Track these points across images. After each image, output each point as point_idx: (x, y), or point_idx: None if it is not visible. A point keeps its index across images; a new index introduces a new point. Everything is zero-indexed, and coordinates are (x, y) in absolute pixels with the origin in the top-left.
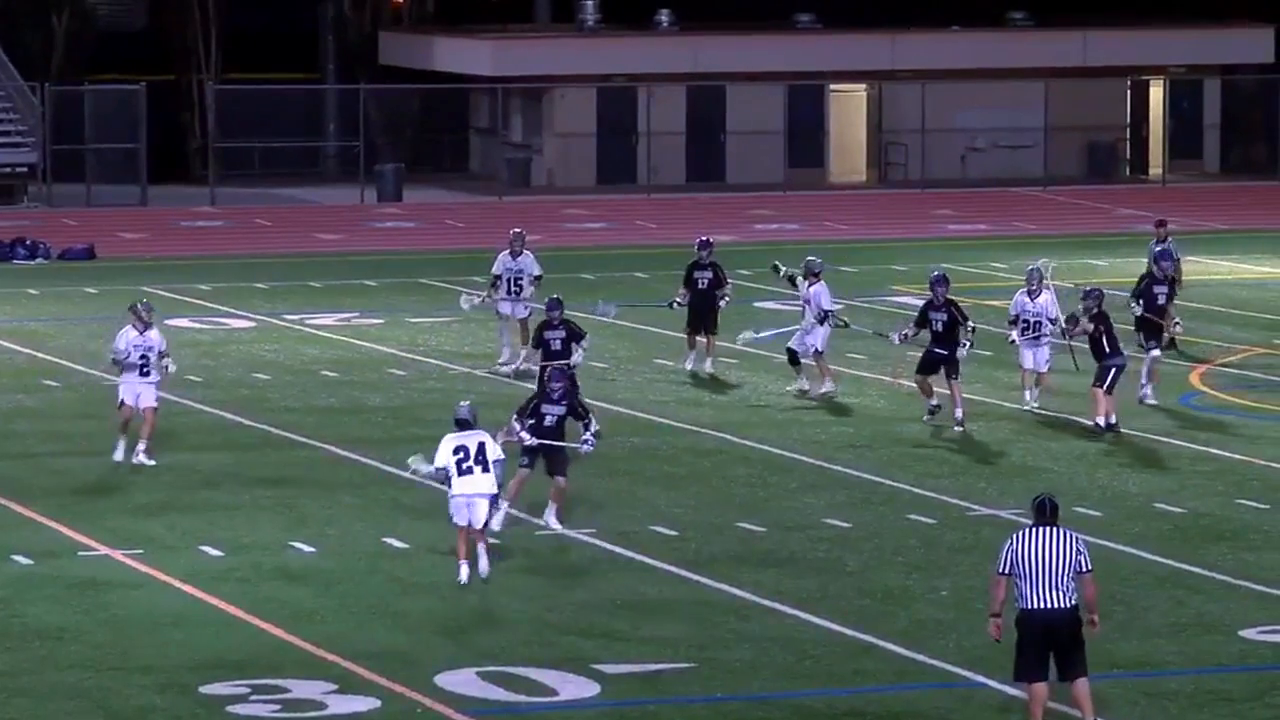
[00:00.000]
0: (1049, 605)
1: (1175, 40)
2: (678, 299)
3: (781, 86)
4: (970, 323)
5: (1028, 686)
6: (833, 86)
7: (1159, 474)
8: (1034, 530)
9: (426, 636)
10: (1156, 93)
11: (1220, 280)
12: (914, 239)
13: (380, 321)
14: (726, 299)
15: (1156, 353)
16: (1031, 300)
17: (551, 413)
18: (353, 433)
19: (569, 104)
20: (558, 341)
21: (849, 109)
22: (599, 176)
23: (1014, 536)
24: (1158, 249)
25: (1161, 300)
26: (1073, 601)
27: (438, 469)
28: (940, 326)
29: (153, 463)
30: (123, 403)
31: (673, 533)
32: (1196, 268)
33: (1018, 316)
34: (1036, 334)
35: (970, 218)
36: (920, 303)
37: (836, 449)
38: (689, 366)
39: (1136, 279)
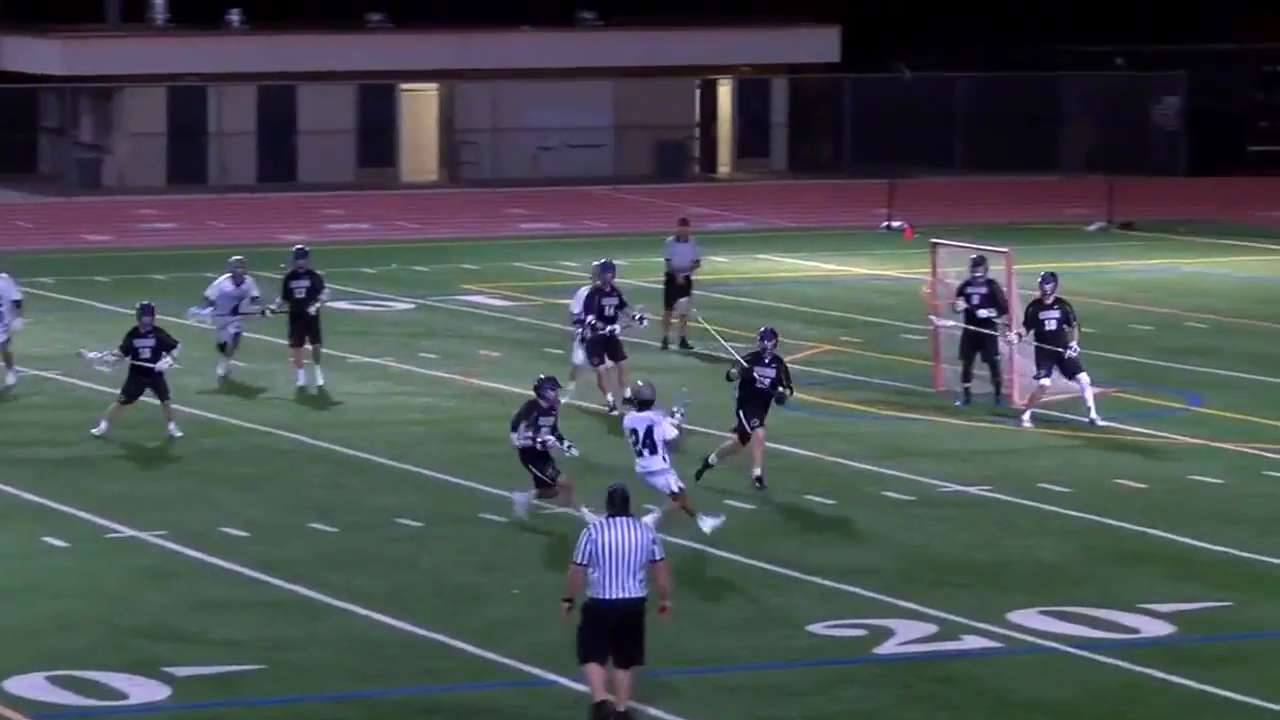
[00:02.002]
0: (620, 595)
1: (743, 40)
2: (272, 307)
3: (352, 86)
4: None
5: (589, 670)
6: (403, 86)
7: (729, 471)
8: (610, 520)
9: None
10: (725, 92)
11: (788, 278)
12: (486, 238)
13: None
14: (320, 304)
15: (1068, 379)
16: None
17: None
18: None
19: (139, 104)
20: (147, 350)
21: (420, 108)
22: (170, 176)
23: (592, 526)
24: (675, 248)
25: (1051, 325)
26: (643, 591)
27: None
28: (611, 310)
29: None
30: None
31: (245, 534)
32: (765, 265)
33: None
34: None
35: (541, 217)
36: (492, 301)
37: (409, 448)
38: (300, 383)
39: (1025, 306)
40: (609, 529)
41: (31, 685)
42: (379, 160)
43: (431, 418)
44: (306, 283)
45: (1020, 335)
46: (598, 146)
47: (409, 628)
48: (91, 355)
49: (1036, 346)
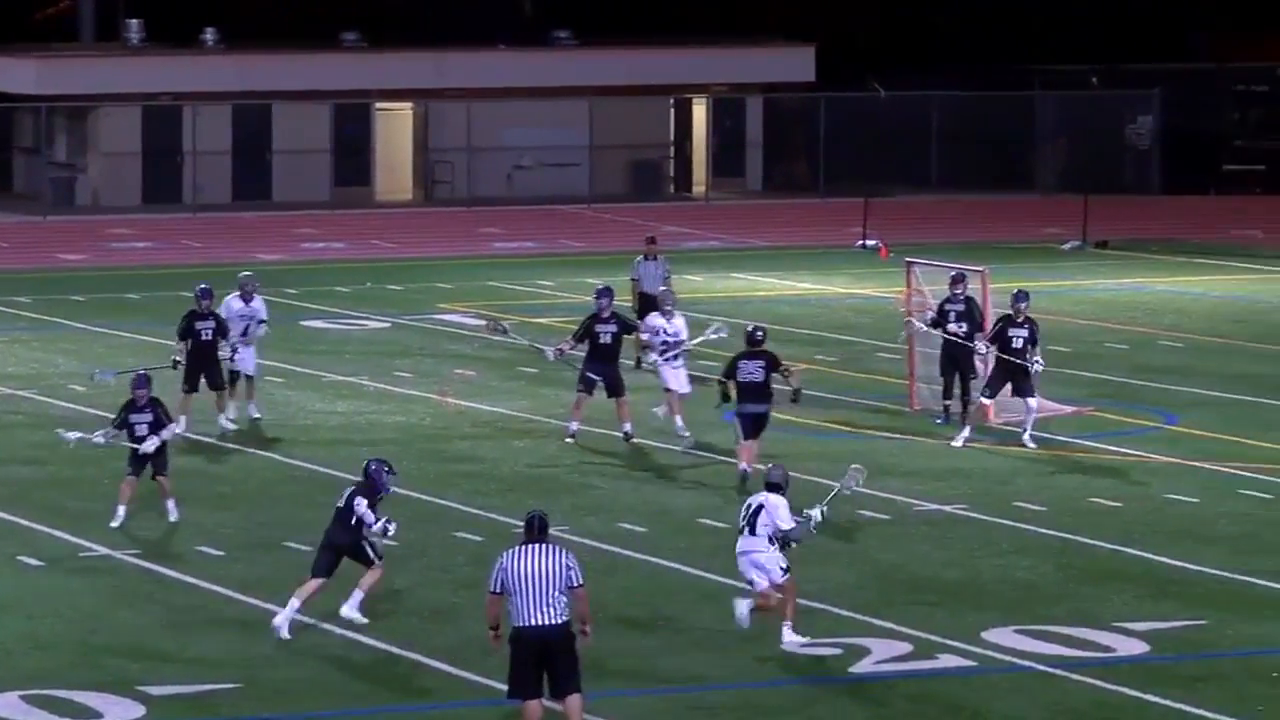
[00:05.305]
0: (540, 622)
1: (718, 59)
2: (176, 356)
3: (328, 105)
4: (641, 332)
5: (522, 705)
6: (378, 105)
7: (703, 491)
8: (524, 547)
9: None
10: (700, 111)
11: (764, 297)
12: (461, 257)
13: None
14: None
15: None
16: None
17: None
18: None
19: (113, 123)
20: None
21: (395, 127)
22: (144, 196)
23: (504, 554)
24: (645, 267)
25: (1018, 344)
26: (564, 618)
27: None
28: (609, 339)
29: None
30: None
31: (219, 553)
32: (741, 284)
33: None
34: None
35: (517, 236)
36: (466, 320)
37: None
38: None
39: (994, 322)
40: (521, 555)
41: (7, 704)
42: (354, 179)
43: (406, 436)
44: (210, 324)
45: (986, 347)
46: (573, 165)
47: (385, 646)
48: (72, 435)
49: (998, 359)
